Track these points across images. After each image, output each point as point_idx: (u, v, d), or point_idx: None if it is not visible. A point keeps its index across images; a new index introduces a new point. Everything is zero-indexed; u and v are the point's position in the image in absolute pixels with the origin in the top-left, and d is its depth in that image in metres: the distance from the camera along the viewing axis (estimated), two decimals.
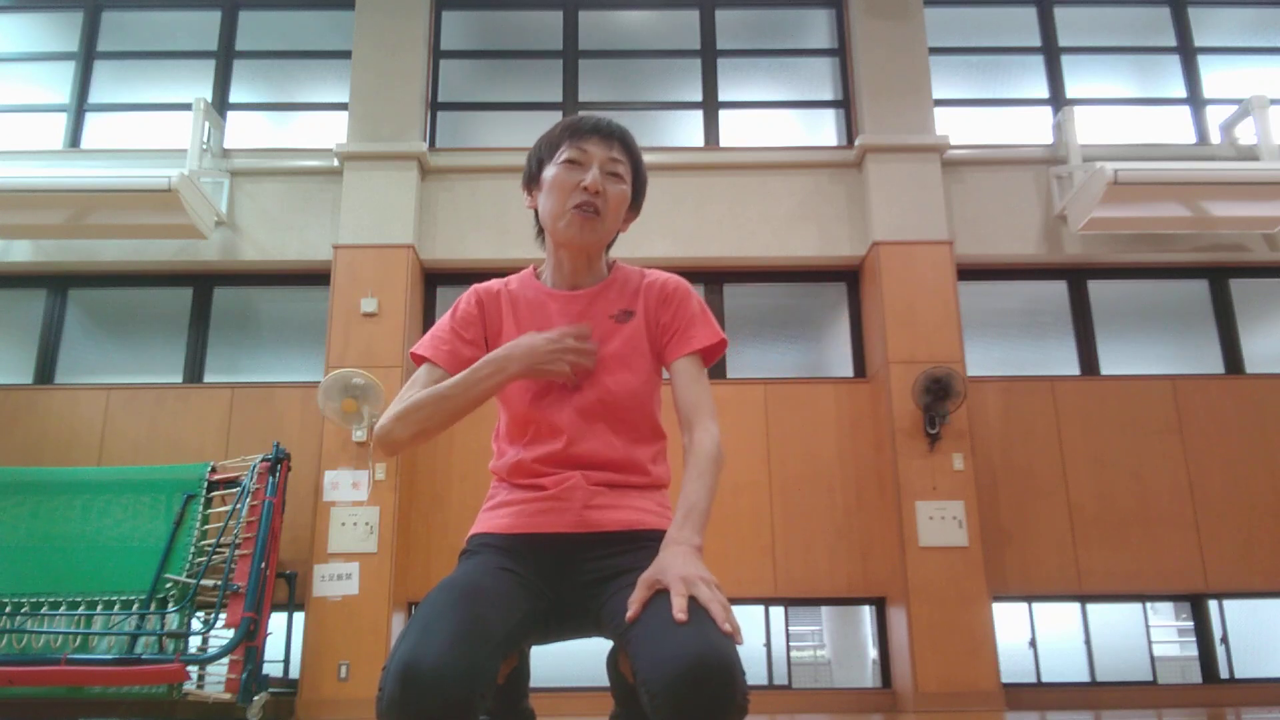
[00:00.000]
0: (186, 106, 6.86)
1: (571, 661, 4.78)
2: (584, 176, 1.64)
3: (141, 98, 7.57)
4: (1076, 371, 6.90)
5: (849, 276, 7.05)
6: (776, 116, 7.59)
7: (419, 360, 1.71)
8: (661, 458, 1.72)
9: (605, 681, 1.70)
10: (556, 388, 1.65)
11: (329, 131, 7.21)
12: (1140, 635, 6.40)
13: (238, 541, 5.45)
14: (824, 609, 6.86)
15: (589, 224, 1.65)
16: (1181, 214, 6.52)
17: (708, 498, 1.52)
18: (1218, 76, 7.56)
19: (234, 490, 5.68)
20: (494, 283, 1.78)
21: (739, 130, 7.39)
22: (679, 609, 1.28)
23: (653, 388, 1.71)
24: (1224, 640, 6.39)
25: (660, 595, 1.35)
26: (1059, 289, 7.10)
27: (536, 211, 1.74)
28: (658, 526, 1.63)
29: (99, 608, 5.30)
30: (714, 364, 1.76)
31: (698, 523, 1.48)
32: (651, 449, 1.70)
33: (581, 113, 1.73)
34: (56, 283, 7.04)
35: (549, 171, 1.68)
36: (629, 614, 1.34)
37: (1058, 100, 7.38)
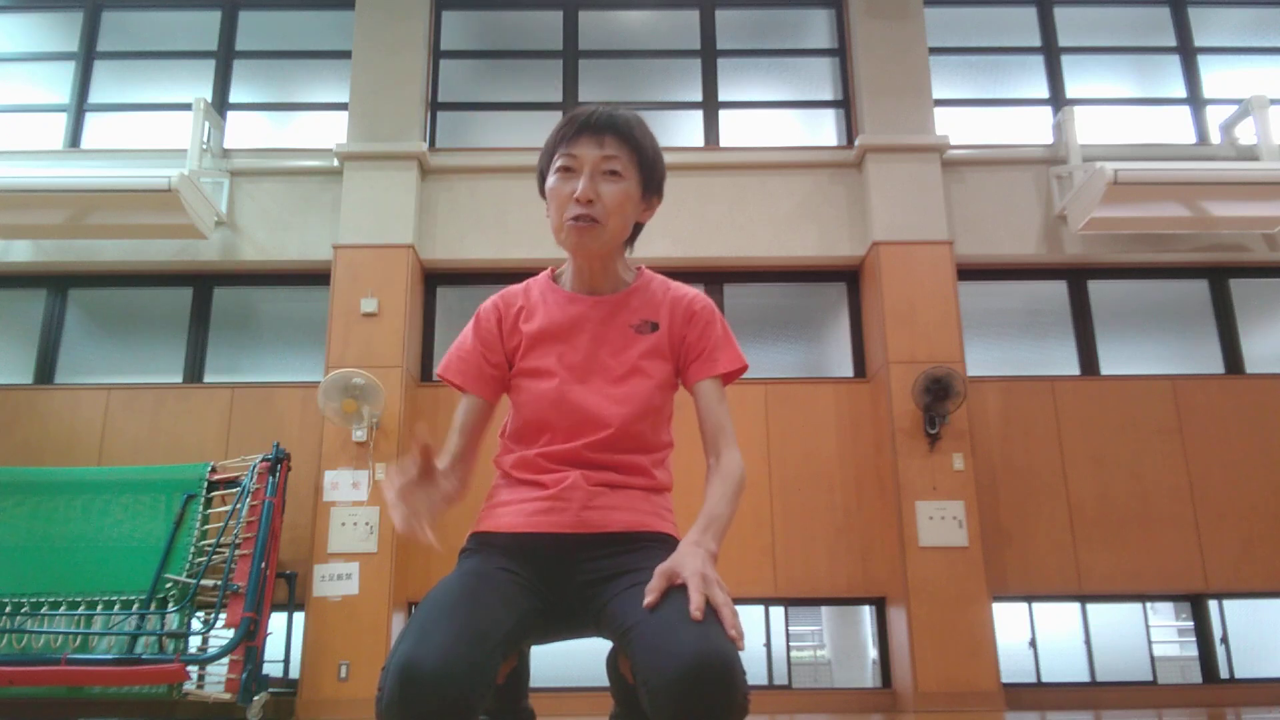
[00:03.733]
0: (186, 106, 6.86)
1: (571, 661, 4.79)
2: (575, 185, 1.60)
3: (141, 98, 7.57)
4: (1076, 371, 6.90)
5: (849, 276, 7.05)
6: (776, 116, 7.59)
7: (446, 381, 1.72)
8: (664, 463, 1.72)
9: (605, 681, 1.70)
10: (570, 395, 1.64)
11: (329, 131, 7.21)
12: (1140, 635, 6.39)
13: (238, 541, 5.45)
14: (824, 609, 6.86)
15: (587, 233, 1.61)
16: (1181, 214, 6.52)
17: (728, 512, 1.54)
18: (1218, 76, 7.55)
19: (234, 490, 5.68)
20: (511, 290, 1.76)
21: (739, 130, 7.39)
22: (696, 606, 1.28)
23: (666, 399, 1.71)
24: (1224, 640, 6.39)
25: (662, 597, 1.35)
26: (1059, 289, 7.10)
27: None
28: (657, 529, 1.63)
29: (99, 608, 5.30)
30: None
31: (716, 532, 1.49)
32: (656, 454, 1.69)
33: (577, 108, 1.66)
34: (56, 283, 7.04)
35: (548, 181, 1.65)
36: (647, 600, 1.34)
37: (1058, 100, 7.38)
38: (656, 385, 1.67)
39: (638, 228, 1.74)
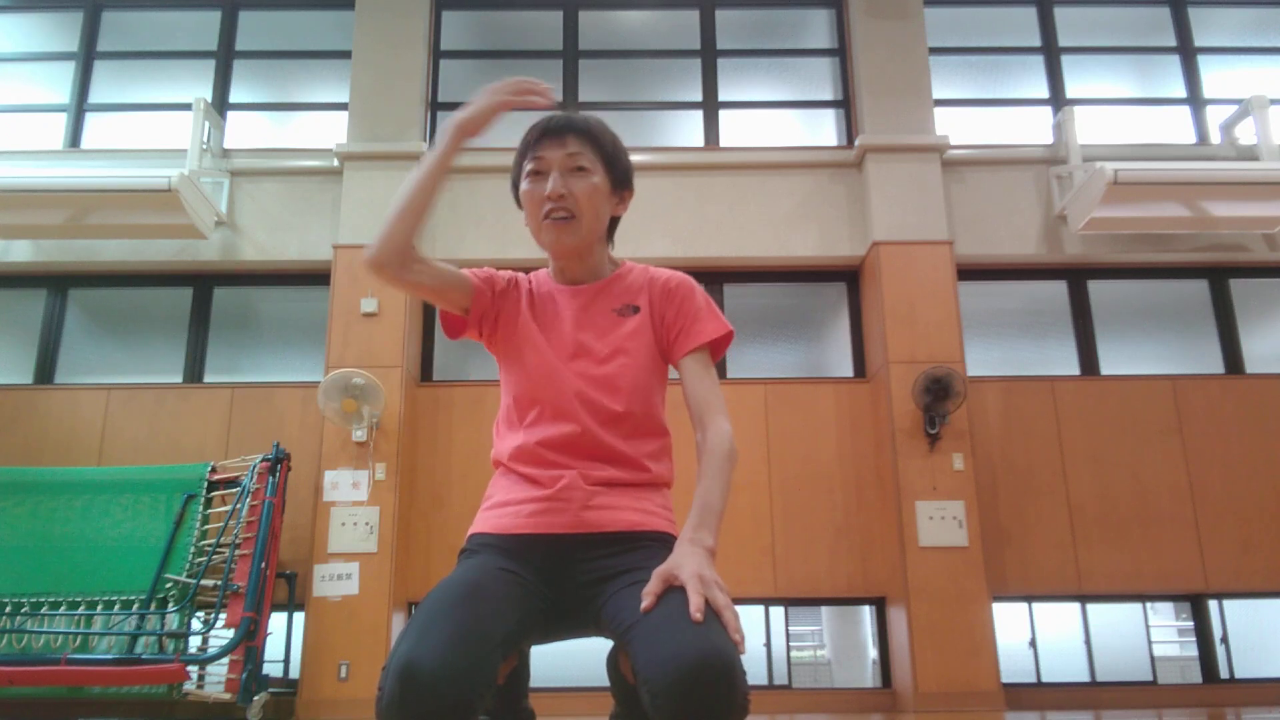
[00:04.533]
0: (186, 106, 6.85)
1: (571, 661, 4.79)
2: (546, 185, 1.66)
3: (141, 98, 7.56)
4: (1076, 371, 6.90)
5: (849, 276, 7.05)
6: (776, 116, 7.59)
7: None
8: (663, 455, 1.72)
9: (605, 681, 1.70)
10: (558, 371, 1.66)
11: (329, 131, 7.21)
12: (1140, 635, 6.40)
13: (238, 541, 5.45)
14: (824, 609, 6.86)
15: (564, 229, 1.67)
16: (1181, 214, 6.52)
17: (721, 498, 1.54)
18: (1218, 76, 7.55)
19: (234, 490, 5.68)
20: (521, 275, 1.83)
21: (739, 130, 7.39)
22: (696, 607, 1.28)
23: (656, 382, 1.72)
24: (1224, 640, 6.39)
25: (662, 597, 1.35)
26: (1059, 289, 7.10)
27: None
28: (657, 528, 1.63)
29: (99, 608, 5.30)
30: (721, 358, 1.77)
31: (712, 525, 1.49)
32: (653, 445, 1.69)
33: (540, 118, 1.73)
34: (56, 283, 7.04)
35: (522, 187, 1.71)
36: (644, 605, 1.34)
37: (1058, 100, 7.38)
38: (642, 364, 1.69)
39: (614, 223, 1.79)
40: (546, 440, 1.64)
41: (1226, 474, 6.53)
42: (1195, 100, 7.48)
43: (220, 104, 7.35)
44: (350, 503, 6.10)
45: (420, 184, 1.63)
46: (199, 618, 5.39)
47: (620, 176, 1.74)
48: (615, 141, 1.74)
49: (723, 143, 7.30)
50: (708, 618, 1.28)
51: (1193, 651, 6.47)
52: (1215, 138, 7.31)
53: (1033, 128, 7.36)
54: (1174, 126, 7.44)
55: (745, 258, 6.87)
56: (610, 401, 1.65)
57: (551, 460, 1.63)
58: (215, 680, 5.15)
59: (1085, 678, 6.31)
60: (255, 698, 5.15)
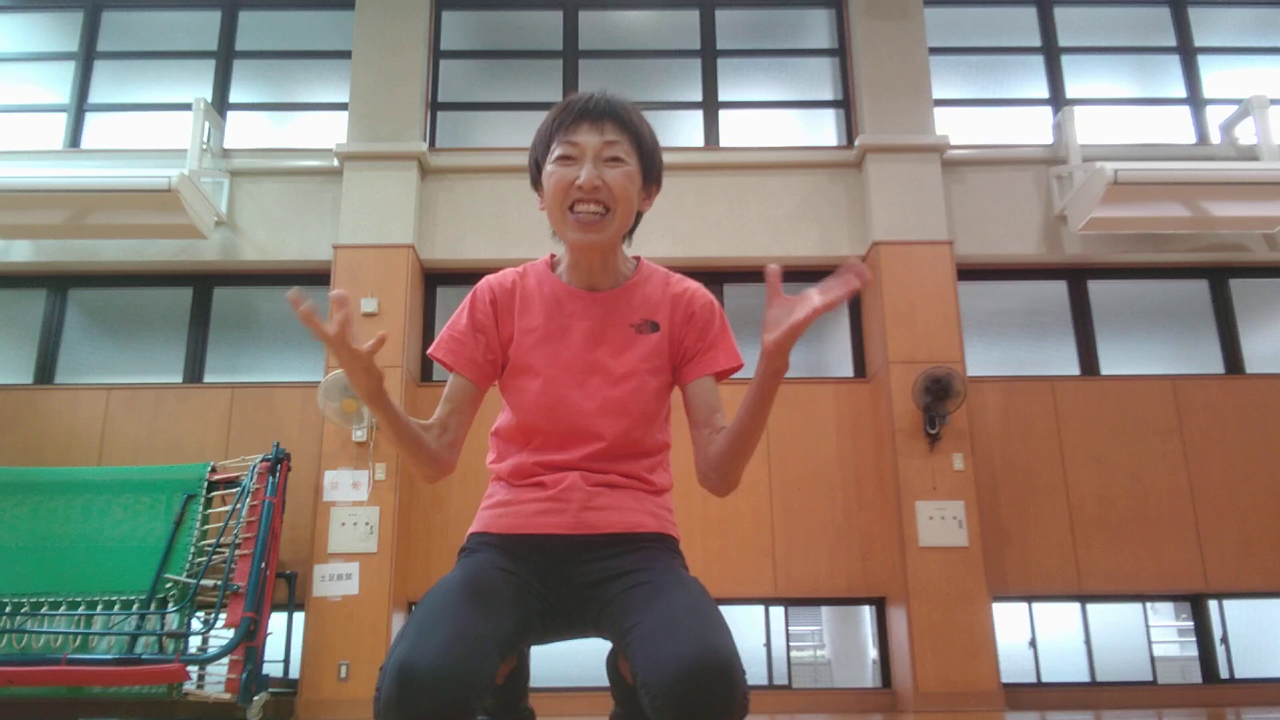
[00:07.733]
0: (186, 106, 6.85)
1: (571, 661, 4.78)
2: (578, 173, 1.55)
3: (141, 98, 7.56)
4: (1076, 371, 6.90)
5: None
6: (776, 116, 7.59)
7: (437, 360, 1.66)
8: (661, 466, 1.69)
9: (605, 681, 1.70)
10: (567, 399, 1.61)
11: (329, 131, 7.21)
12: (1140, 635, 6.39)
13: (238, 541, 5.45)
14: (824, 609, 6.86)
15: (594, 227, 1.57)
16: (1181, 214, 6.52)
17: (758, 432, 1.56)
18: (1218, 76, 7.55)
19: (234, 490, 5.68)
20: (507, 274, 1.70)
21: (739, 130, 7.39)
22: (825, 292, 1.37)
23: (664, 401, 1.68)
24: (1224, 640, 6.39)
25: (661, 597, 1.35)
26: (1059, 289, 7.10)
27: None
28: (656, 530, 1.62)
29: (99, 608, 5.30)
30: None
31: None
32: (654, 459, 1.67)
33: (570, 96, 1.61)
34: (56, 283, 7.04)
35: (546, 170, 1.60)
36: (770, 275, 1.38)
37: (1058, 100, 7.38)
38: (655, 389, 1.64)
39: (637, 218, 1.68)
40: (547, 462, 1.62)
41: (1226, 474, 6.53)
42: (1195, 100, 7.47)
43: (220, 104, 7.34)
44: (350, 503, 6.09)
45: (393, 435, 1.54)
46: (199, 618, 5.39)
47: (653, 171, 1.64)
48: (652, 133, 1.64)
49: (723, 143, 7.29)
50: (707, 618, 1.28)
51: (1193, 651, 6.47)
52: (1215, 138, 7.31)
53: (1033, 128, 7.36)
54: (1174, 126, 7.43)
55: (745, 258, 6.87)
56: (619, 425, 1.60)
57: (551, 474, 1.61)
58: (215, 680, 5.15)
59: (1085, 678, 6.31)
60: (255, 698, 5.15)
